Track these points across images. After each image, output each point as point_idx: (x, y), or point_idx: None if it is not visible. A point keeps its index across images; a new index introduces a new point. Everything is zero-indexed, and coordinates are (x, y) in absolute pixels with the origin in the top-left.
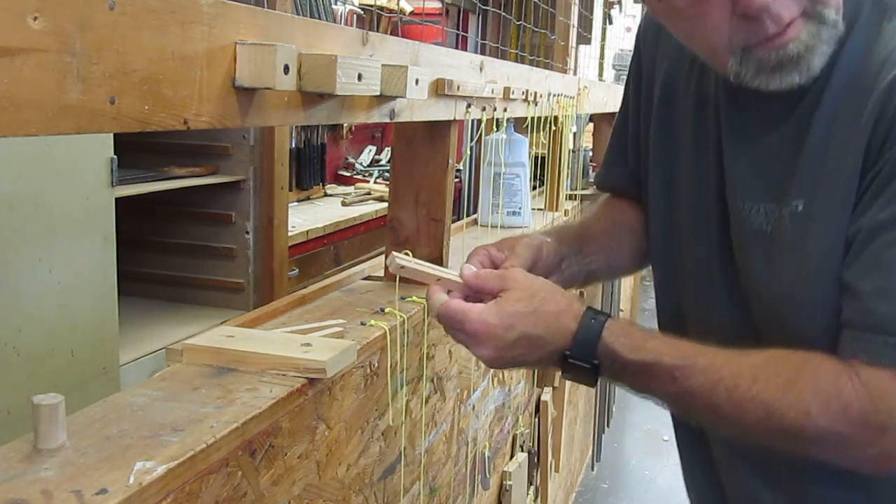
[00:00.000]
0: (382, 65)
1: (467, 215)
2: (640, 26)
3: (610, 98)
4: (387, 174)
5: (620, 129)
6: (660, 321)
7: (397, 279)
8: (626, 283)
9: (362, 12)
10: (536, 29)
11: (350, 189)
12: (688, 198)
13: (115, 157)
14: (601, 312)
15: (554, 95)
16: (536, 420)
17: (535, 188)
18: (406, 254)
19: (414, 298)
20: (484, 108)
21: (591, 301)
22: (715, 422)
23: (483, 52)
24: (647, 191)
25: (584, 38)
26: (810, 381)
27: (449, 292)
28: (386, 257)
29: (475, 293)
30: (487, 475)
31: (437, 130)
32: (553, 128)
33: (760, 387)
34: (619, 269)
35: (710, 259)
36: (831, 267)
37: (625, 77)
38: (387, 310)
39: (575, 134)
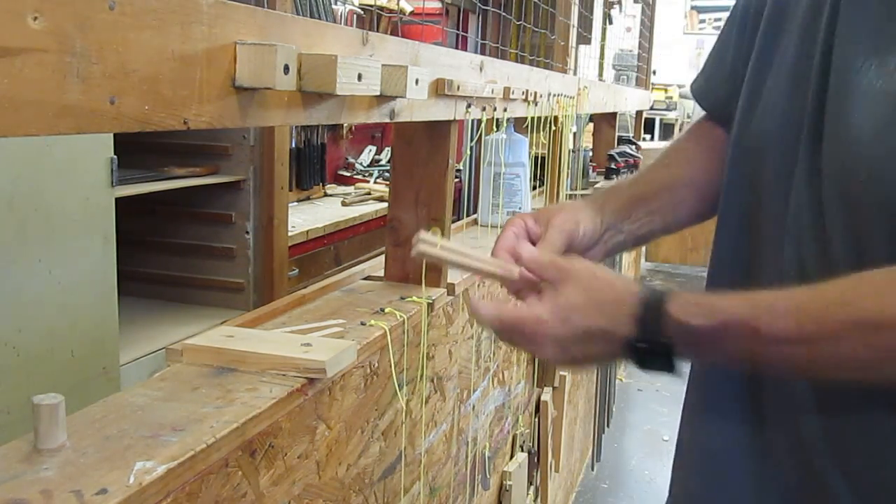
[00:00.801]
0: (382, 65)
1: (467, 215)
2: None
3: (610, 98)
4: (387, 174)
5: (725, 35)
6: (718, 246)
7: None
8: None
9: (362, 12)
10: (536, 29)
11: (350, 189)
12: (780, 81)
13: (115, 157)
14: (659, 288)
15: (554, 95)
16: (536, 420)
17: (535, 188)
18: (434, 233)
19: (414, 298)
20: (484, 108)
21: None
22: (811, 366)
23: (483, 52)
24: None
25: (584, 38)
26: None
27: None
28: (385, 259)
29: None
30: (487, 475)
31: (437, 130)
32: (553, 128)
33: (855, 307)
34: (676, 226)
35: (796, 139)
36: None
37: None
38: (387, 310)
39: (575, 134)
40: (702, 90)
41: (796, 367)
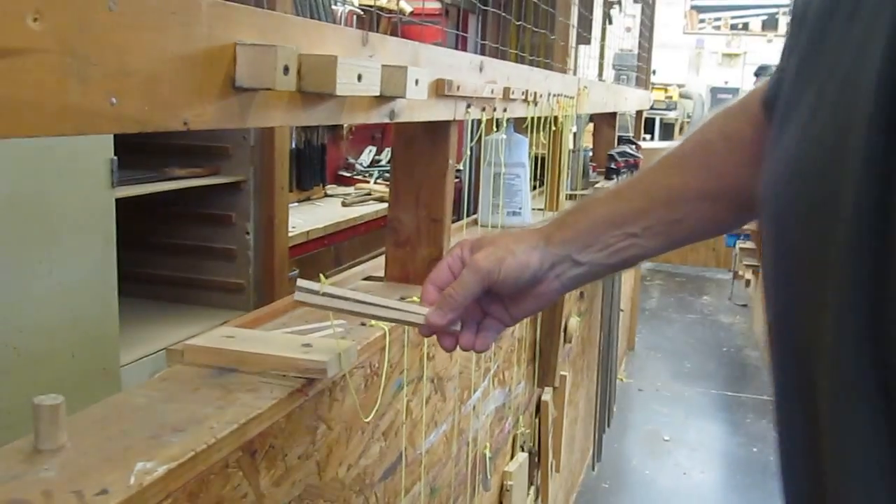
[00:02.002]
0: (382, 65)
1: (467, 215)
2: None
3: (610, 98)
4: (387, 175)
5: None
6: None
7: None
8: (627, 284)
9: (362, 13)
10: (536, 29)
11: (350, 189)
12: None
13: (116, 157)
14: None
15: (554, 95)
16: (537, 420)
17: (535, 188)
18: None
19: (414, 299)
20: (484, 109)
21: (591, 301)
22: None
23: (483, 53)
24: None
25: (583, 39)
26: None
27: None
28: (385, 259)
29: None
30: (488, 475)
31: (437, 131)
32: (553, 128)
33: None
34: (679, 243)
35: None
36: None
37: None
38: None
39: (575, 134)
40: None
41: None
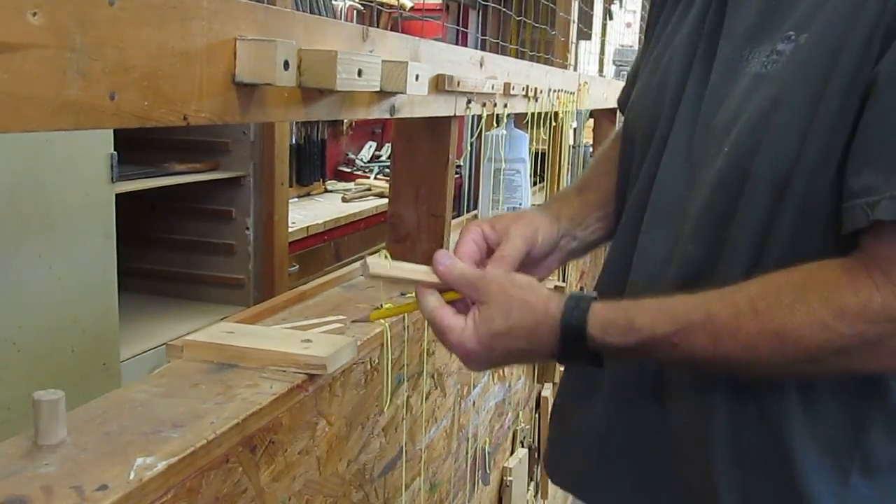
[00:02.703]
0: (383, 61)
1: (468, 211)
2: None
3: (610, 93)
4: (387, 170)
5: (642, 46)
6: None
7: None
8: None
9: (362, 8)
10: (537, 25)
11: (350, 185)
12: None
13: (116, 153)
14: (580, 302)
15: (554, 91)
16: (537, 416)
17: (535, 184)
18: (386, 256)
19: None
20: (484, 104)
21: None
22: (729, 369)
23: (483, 48)
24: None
25: (584, 34)
26: (817, 290)
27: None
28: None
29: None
30: (488, 471)
31: (437, 126)
32: (553, 123)
33: (765, 317)
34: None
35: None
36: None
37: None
38: (387, 305)
39: (575, 130)
40: (623, 102)
41: (715, 369)
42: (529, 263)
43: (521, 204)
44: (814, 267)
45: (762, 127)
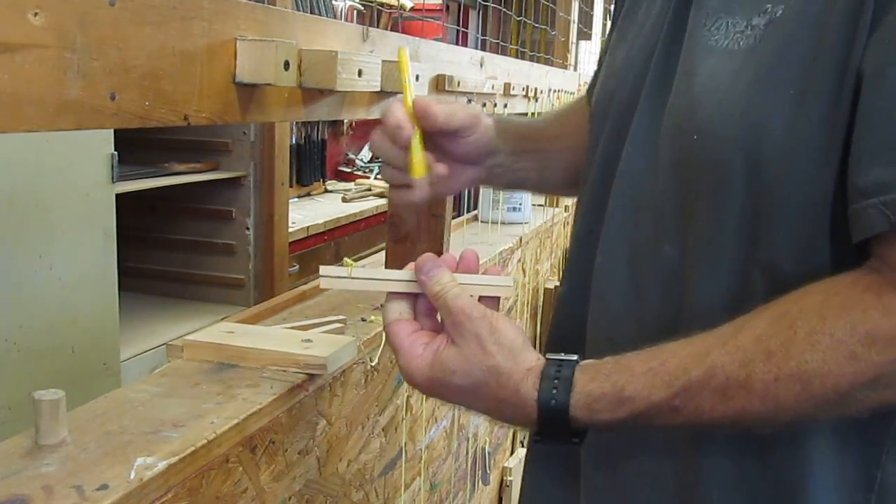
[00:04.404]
0: (383, 61)
1: (468, 211)
2: None
3: None
4: None
5: (609, 30)
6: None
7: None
8: None
9: (362, 8)
10: (537, 25)
11: (350, 185)
12: (635, 52)
13: (116, 153)
14: (560, 376)
15: (554, 91)
16: None
17: None
18: (350, 264)
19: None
20: (484, 104)
21: None
22: (748, 426)
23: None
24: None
25: (584, 34)
26: (837, 315)
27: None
28: (385, 255)
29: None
30: (488, 471)
31: None
32: None
33: (780, 359)
34: (551, 185)
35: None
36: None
37: None
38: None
39: None
40: (588, 93)
41: (731, 428)
42: (457, 155)
43: (521, 204)
44: (826, 287)
45: (738, 113)
